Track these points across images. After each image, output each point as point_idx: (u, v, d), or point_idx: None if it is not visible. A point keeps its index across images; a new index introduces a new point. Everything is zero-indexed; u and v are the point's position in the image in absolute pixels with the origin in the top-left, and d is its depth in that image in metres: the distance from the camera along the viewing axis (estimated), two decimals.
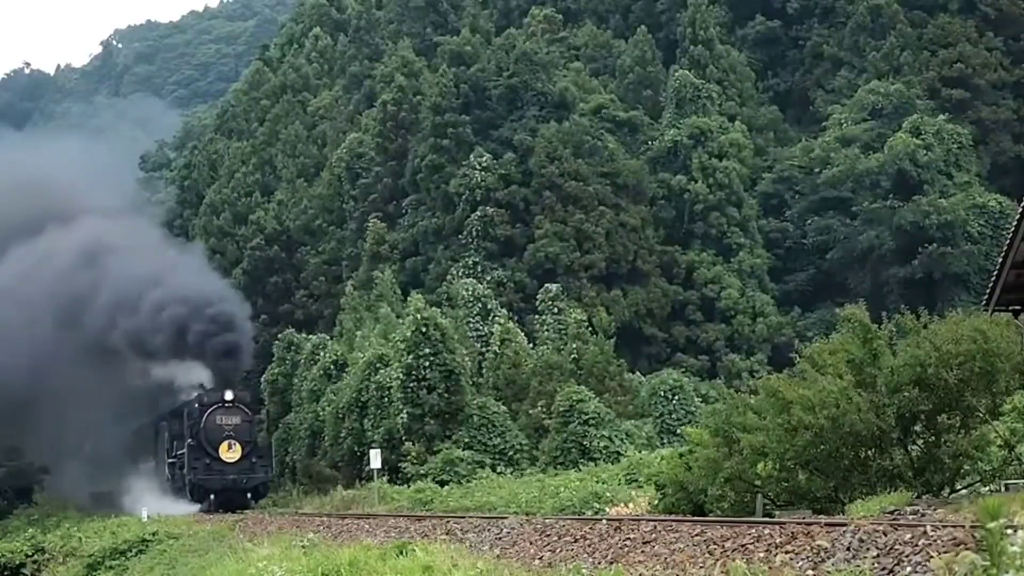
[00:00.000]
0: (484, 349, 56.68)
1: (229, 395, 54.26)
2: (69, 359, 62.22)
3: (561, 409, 48.61)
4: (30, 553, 51.21)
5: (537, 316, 61.31)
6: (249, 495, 52.97)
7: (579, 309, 59.84)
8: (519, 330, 57.07)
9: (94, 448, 73.25)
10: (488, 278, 64.95)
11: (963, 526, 11.34)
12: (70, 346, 62.47)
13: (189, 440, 53.82)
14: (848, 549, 12.09)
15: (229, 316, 59.18)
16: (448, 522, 24.33)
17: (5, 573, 49.00)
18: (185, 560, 36.32)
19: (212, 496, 52.79)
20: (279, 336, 67.34)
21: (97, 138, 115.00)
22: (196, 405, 54.73)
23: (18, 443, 68.19)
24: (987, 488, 23.88)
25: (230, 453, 53.45)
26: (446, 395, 50.48)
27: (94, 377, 63.40)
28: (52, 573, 48.71)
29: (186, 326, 58.14)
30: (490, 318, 59.36)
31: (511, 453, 49.41)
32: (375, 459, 44.84)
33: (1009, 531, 8.32)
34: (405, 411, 50.98)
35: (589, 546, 16.63)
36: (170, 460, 58.08)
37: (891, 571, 11.26)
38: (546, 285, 62.80)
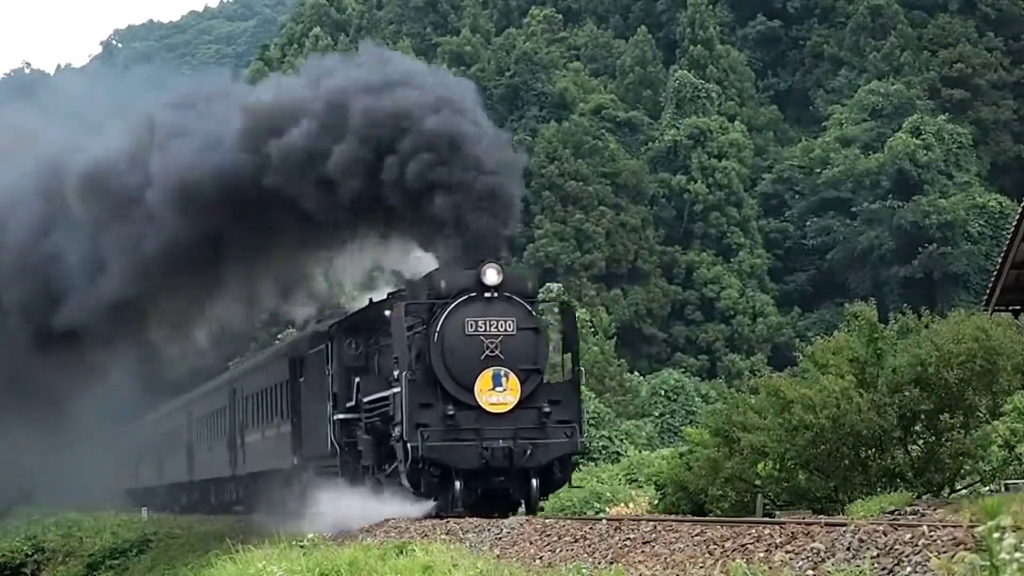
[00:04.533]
0: None
1: (493, 275, 25.31)
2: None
3: None
4: (30, 553, 51.09)
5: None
6: (535, 481, 24.64)
7: (579, 309, 59.84)
8: None
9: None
10: None
11: (962, 526, 11.33)
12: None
13: (406, 374, 24.93)
14: (848, 549, 12.07)
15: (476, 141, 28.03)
16: (448, 522, 24.32)
17: (5, 573, 48.89)
18: (185, 560, 36.26)
19: (459, 485, 24.68)
20: (279, 336, 67.21)
21: None
22: (417, 303, 25.96)
23: None
24: (987, 488, 23.87)
25: (497, 395, 25.24)
26: None
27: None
28: (52, 573, 48.60)
29: (388, 162, 26.17)
30: None
31: None
32: None
33: (999, 534, 8.30)
34: None
35: (589, 546, 16.63)
36: (341, 416, 29.22)
37: (891, 571, 11.25)
38: (546, 284, 62.83)
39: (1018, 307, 27.92)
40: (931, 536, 11.42)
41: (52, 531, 51.65)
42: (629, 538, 15.99)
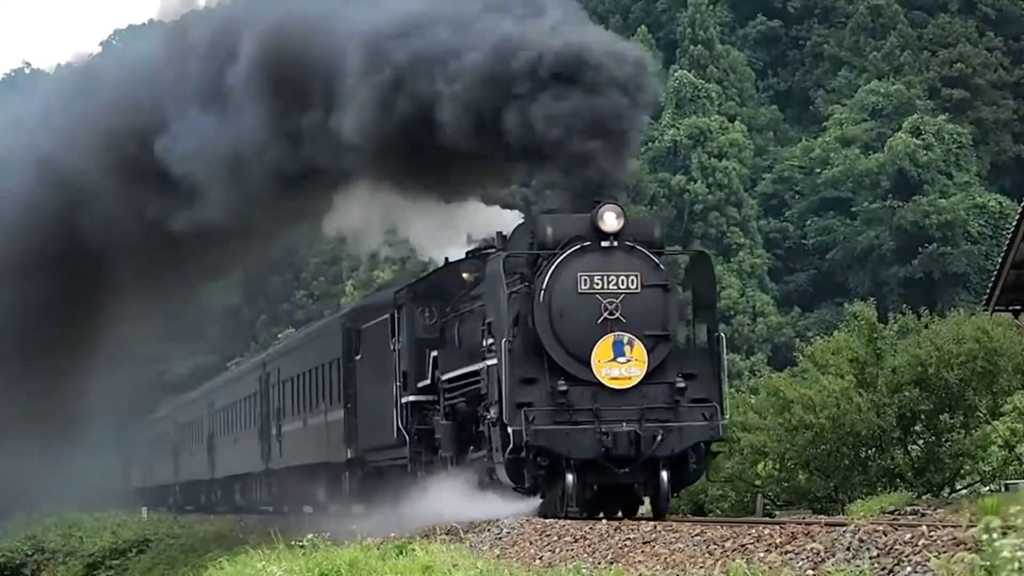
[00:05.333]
0: None
1: (611, 219, 20.31)
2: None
3: None
4: (30, 553, 51.10)
5: None
6: (665, 474, 19.98)
7: None
8: None
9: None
10: None
11: (961, 526, 11.34)
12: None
13: (506, 341, 20.03)
14: (848, 549, 12.08)
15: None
16: (448, 522, 24.31)
17: (5, 573, 48.88)
18: (185, 560, 36.27)
19: (571, 478, 19.76)
20: (279, 336, 67.23)
21: None
22: (517, 254, 21.38)
23: None
24: (987, 488, 23.90)
25: (619, 368, 20.21)
26: None
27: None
28: (52, 573, 48.61)
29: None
30: None
31: None
32: None
33: (997, 533, 8.31)
34: None
35: (589, 546, 16.64)
36: (411, 398, 24.95)
37: (891, 571, 11.25)
38: None
39: (1018, 307, 27.93)
40: (931, 536, 11.43)
41: (52, 531, 51.66)
42: (629, 538, 15.99)
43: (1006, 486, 24.30)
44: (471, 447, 22.35)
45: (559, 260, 20.02)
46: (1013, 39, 76.70)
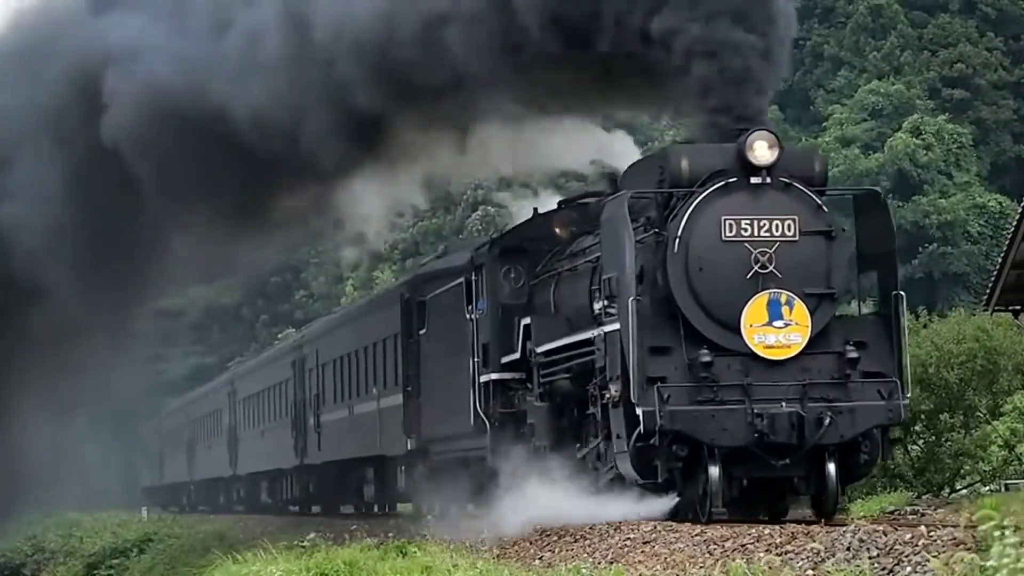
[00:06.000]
0: None
1: (763, 149, 16.52)
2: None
3: None
4: (30, 553, 51.09)
5: None
6: (832, 466, 16.27)
7: None
8: None
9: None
10: None
11: (960, 526, 11.35)
12: None
13: (634, 300, 16.19)
14: (848, 549, 12.10)
15: None
16: (448, 522, 24.31)
17: (5, 573, 48.86)
18: (185, 560, 36.25)
19: (715, 471, 16.04)
20: (279, 336, 67.23)
21: None
22: (643, 194, 17.38)
23: None
24: (987, 488, 23.90)
25: (775, 334, 16.49)
26: None
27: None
28: (52, 573, 48.60)
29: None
30: None
31: None
32: None
33: (997, 533, 8.32)
34: None
35: (589, 546, 16.64)
36: (494, 376, 21.67)
37: (891, 571, 11.27)
38: None
39: (1018, 307, 27.95)
40: (931, 536, 11.44)
41: (52, 531, 51.64)
42: (629, 538, 15.99)
43: (1006, 486, 24.30)
44: (575, 434, 18.93)
45: (698, 200, 16.50)
46: (1013, 39, 76.69)
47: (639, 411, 16.07)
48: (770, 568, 12.01)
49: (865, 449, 16.57)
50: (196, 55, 22.99)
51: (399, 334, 26.77)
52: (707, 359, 16.23)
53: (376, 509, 31.50)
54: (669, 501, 16.90)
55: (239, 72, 22.00)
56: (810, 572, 12.06)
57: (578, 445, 18.83)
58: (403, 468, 27.44)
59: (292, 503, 39.76)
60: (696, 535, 14.97)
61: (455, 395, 22.72)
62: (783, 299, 16.44)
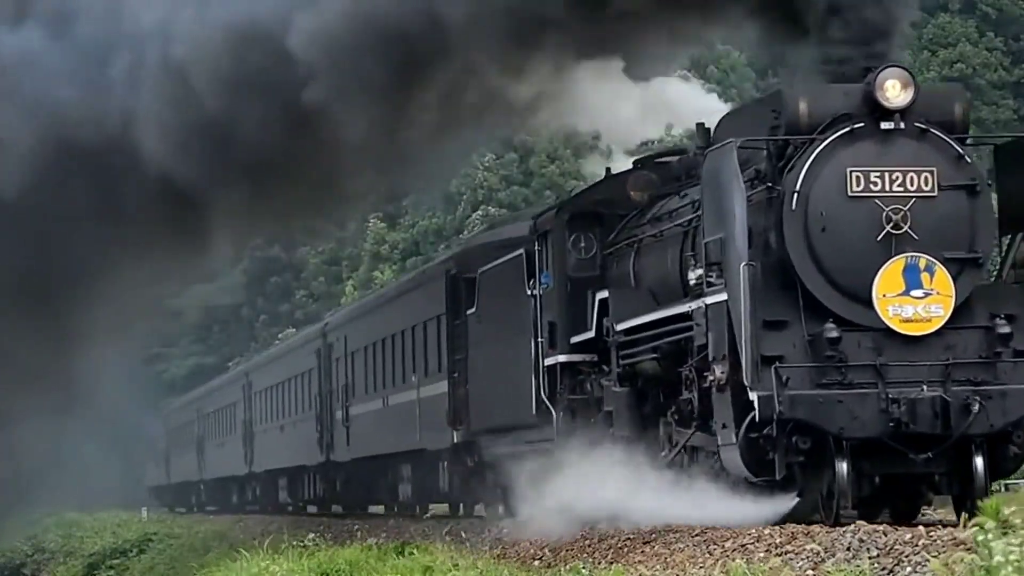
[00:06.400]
0: None
1: (896, 90, 14.17)
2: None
3: None
4: (30, 553, 51.11)
5: None
6: (979, 460, 13.71)
7: None
8: None
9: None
10: None
11: (959, 525, 11.36)
12: None
13: (746, 265, 13.81)
14: (848, 549, 12.10)
15: None
16: (448, 522, 24.34)
17: (5, 573, 48.88)
18: (185, 560, 36.27)
19: (844, 467, 13.65)
20: (279, 336, 67.25)
21: None
22: (754, 142, 14.99)
23: None
24: None
25: (913, 305, 14.11)
26: None
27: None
28: (52, 573, 48.63)
29: None
30: None
31: None
32: None
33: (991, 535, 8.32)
34: None
35: (589, 546, 16.65)
36: (562, 359, 19.31)
37: (891, 571, 11.27)
38: None
39: None
40: (930, 536, 11.45)
41: (52, 531, 51.64)
42: (629, 538, 15.99)
43: (1006, 486, 24.27)
44: (664, 422, 16.66)
45: (820, 150, 14.36)
46: (1013, 39, 76.77)
47: (753, 396, 13.71)
48: (770, 568, 12.01)
49: (1017, 440, 14.08)
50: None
51: (443, 315, 24.29)
52: (834, 334, 13.89)
53: (417, 509, 28.84)
54: (786, 501, 14.41)
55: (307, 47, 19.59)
56: (810, 572, 12.07)
57: (667, 435, 16.53)
58: (446, 464, 24.91)
59: (316, 502, 37.28)
60: (696, 535, 14.97)
61: (513, 381, 20.26)
62: (922, 264, 14.13)
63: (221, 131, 20.66)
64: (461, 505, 26.69)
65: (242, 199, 21.90)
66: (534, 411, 19.48)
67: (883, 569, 11.32)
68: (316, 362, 34.21)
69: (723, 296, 14.25)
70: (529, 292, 19.84)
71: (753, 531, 14.19)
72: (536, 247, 19.72)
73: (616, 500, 16.82)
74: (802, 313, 14.16)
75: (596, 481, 17.35)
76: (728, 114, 16.95)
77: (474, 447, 22.98)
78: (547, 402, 19.14)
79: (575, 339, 18.74)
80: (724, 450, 14.55)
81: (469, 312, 22.83)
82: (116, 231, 22.49)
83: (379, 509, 33.05)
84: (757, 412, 13.74)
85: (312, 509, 37.99)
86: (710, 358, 14.61)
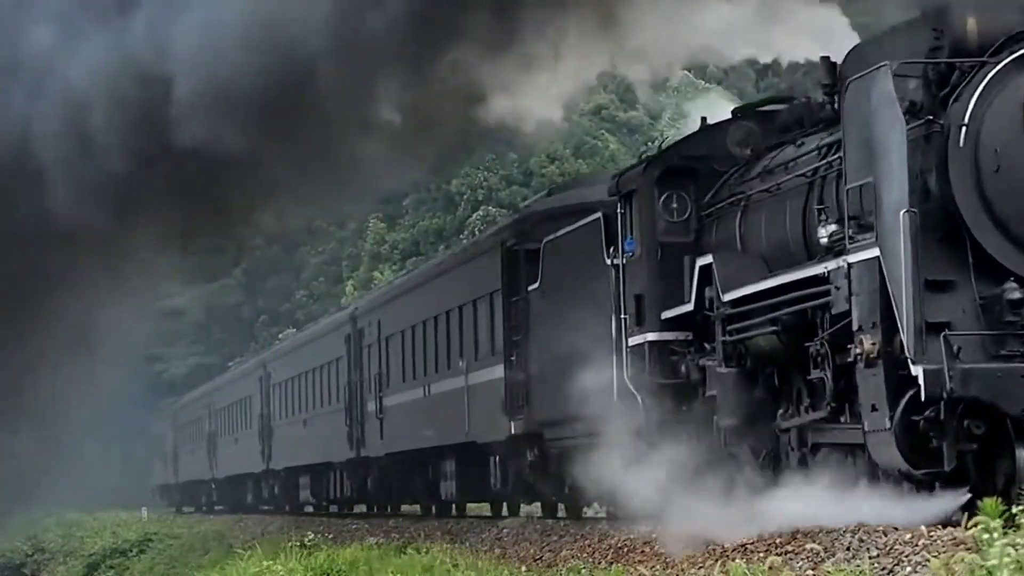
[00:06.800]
0: None
1: None
2: None
3: None
4: (30, 553, 51.13)
5: None
6: None
7: None
8: None
9: None
10: None
11: (960, 525, 11.35)
12: None
13: (907, 213, 11.64)
14: (848, 549, 12.11)
15: None
16: (448, 522, 24.35)
17: (5, 573, 48.90)
18: (185, 560, 36.27)
19: (1022, 454, 11.24)
20: (279, 336, 67.26)
21: None
22: (911, 66, 12.33)
23: None
24: None
25: None
26: None
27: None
28: (52, 573, 48.66)
29: None
30: None
31: None
32: None
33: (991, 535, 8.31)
34: None
35: (589, 546, 16.65)
36: (651, 337, 16.81)
37: (891, 571, 11.27)
38: None
39: None
40: (931, 536, 11.44)
41: (52, 531, 51.65)
42: (629, 538, 15.99)
43: None
44: (782, 409, 14.46)
45: (992, 75, 12.18)
46: None
47: (916, 370, 11.52)
48: (770, 568, 12.01)
49: None
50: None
51: (498, 291, 21.90)
52: (1016, 295, 11.64)
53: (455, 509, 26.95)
54: (956, 498, 11.87)
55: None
56: (810, 572, 12.06)
57: (787, 423, 14.28)
58: (499, 458, 22.58)
59: (342, 502, 34.66)
60: (696, 535, 14.98)
61: (588, 364, 17.72)
62: None
63: (118, 168, 20.35)
64: (505, 504, 24.82)
65: (147, 238, 21.67)
66: (615, 396, 17.15)
67: (883, 569, 11.32)
68: (345, 350, 31.63)
69: (873, 252, 11.98)
70: (609, 262, 17.44)
71: (753, 531, 14.20)
72: (619, 209, 17.25)
73: (724, 503, 14.86)
74: (972, 271, 11.93)
75: (695, 477, 15.21)
76: (861, 44, 14.01)
77: (535, 439, 20.50)
78: (631, 387, 16.77)
79: (667, 314, 16.29)
80: (874, 438, 12.17)
81: (531, 288, 20.48)
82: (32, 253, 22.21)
83: (411, 509, 31.01)
84: (922, 390, 11.50)
85: (331, 509, 36.10)
86: (855, 327, 12.30)
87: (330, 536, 23.82)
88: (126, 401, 54.03)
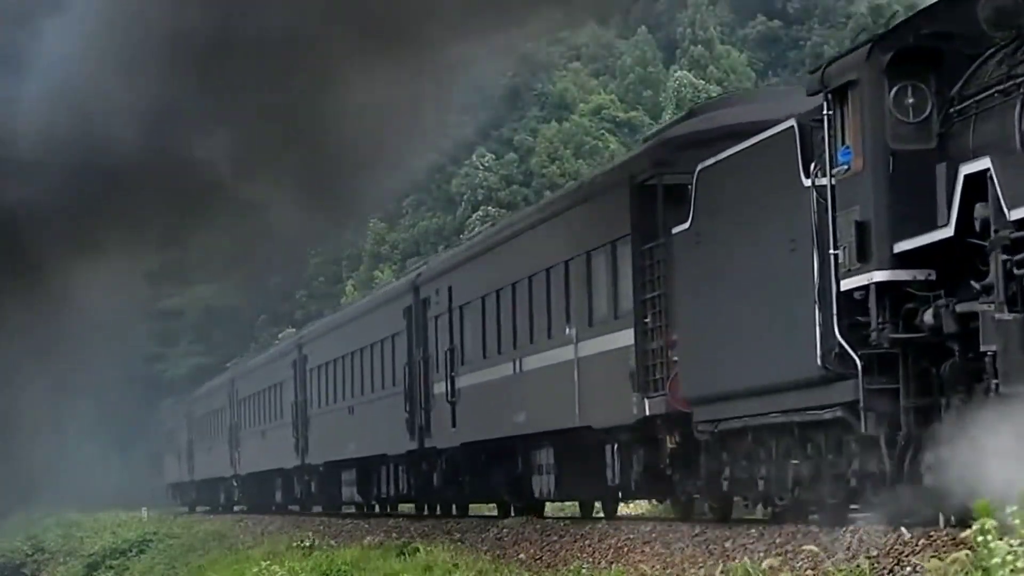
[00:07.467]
0: None
1: None
2: None
3: None
4: (30, 553, 51.15)
5: None
6: None
7: None
8: None
9: None
10: None
11: (959, 526, 11.37)
12: None
13: None
14: (847, 549, 12.12)
15: None
16: (448, 522, 24.31)
17: (5, 573, 48.92)
18: (185, 560, 36.28)
19: None
20: (279, 336, 67.23)
21: None
22: None
23: None
24: None
25: None
26: None
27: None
28: (52, 573, 48.68)
29: None
30: None
31: None
32: None
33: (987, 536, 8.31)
34: None
35: (589, 546, 16.65)
36: (880, 278, 12.31)
37: (891, 571, 11.29)
38: None
39: None
40: (930, 536, 11.46)
41: (52, 531, 51.66)
42: (629, 538, 16.00)
43: None
44: None
45: None
46: None
47: None
48: (770, 568, 12.03)
49: None
50: None
51: (625, 239, 17.92)
52: None
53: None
54: None
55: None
56: (810, 572, 12.08)
57: None
58: (616, 447, 18.27)
59: (398, 500, 30.33)
60: (696, 535, 14.99)
61: (772, 321, 14.16)
62: None
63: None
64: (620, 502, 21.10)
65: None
66: (819, 361, 13.13)
67: (883, 569, 11.33)
68: (405, 324, 27.01)
69: None
70: (809, 182, 13.53)
71: (753, 531, 14.21)
72: (827, 111, 13.21)
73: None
74: None
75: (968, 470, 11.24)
76: None
77: (677, 421, 16.42)
78: (846, 346, 12.74)
79: (902, 245, 12.27)
80: None
81: (677, 230, 16.44)
82: None
83: (484, 508, 26.99)
84: None
85: (386, 508, 31.65)
86: None
87: (330, 536, 23.79)
88: (126, 402, 53.81)
